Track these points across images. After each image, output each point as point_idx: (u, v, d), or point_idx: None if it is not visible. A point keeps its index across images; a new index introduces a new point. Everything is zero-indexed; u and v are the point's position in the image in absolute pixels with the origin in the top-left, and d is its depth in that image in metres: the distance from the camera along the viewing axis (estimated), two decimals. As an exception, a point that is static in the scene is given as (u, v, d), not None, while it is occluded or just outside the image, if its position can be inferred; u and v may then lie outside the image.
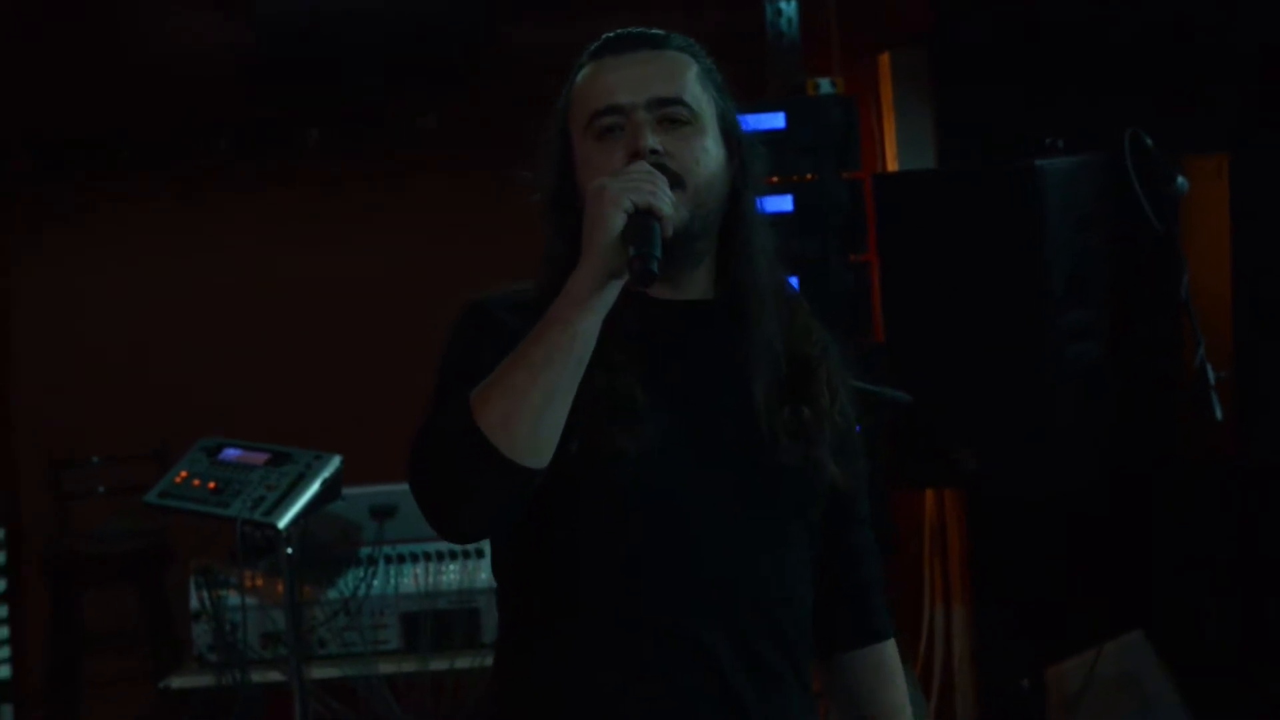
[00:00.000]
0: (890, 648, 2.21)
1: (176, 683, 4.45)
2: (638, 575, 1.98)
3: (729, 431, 2.03)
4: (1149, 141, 3.97)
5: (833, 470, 2.07)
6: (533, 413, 1.87)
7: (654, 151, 1.98)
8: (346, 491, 4.28)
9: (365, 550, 4.47)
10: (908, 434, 4.19)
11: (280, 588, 4.18)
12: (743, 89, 2.14)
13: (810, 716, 2.10)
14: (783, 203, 4.55)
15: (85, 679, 5.71)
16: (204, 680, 4.41)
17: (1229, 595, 4.73)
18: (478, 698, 4.37)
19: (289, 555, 4.06)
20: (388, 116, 5.97)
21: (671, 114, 2.02)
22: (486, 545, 2.16)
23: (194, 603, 4.43)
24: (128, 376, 5.98)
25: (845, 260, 4.68)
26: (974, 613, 5.10)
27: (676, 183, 1.98)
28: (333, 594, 4.45)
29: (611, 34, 2.10)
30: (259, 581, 4.40)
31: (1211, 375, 3.96)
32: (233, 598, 4.39)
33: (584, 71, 2.07)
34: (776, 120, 4.61)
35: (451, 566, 4.49)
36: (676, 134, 2.01)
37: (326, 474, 4.16)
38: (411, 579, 4.48)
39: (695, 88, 2.05)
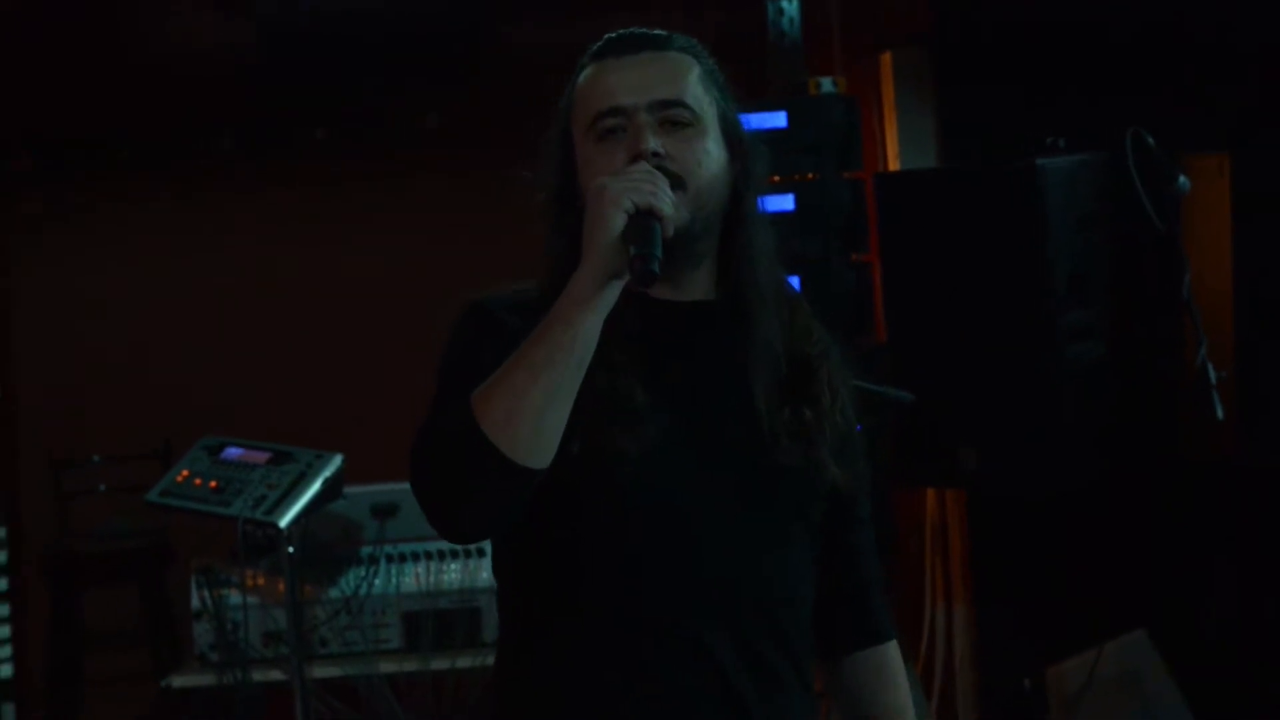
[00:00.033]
0: (892, 649, 2.21)
1: (178, 682, 4.46)
2: (639, 575, 1.98)
3: (730, 432, 2.03)
4: (1150, 140, 3.97)
5: (833, 471, 2.07)
6: (534, 413, 1.87)
7: (655, 154, 1.98)
8: (348, 490, 4.28)
9: (366, 549, 4.47)
10: (909, 433, 4.19)
11: (281, 587, 4.18)
12: (744, 88, 2.14)
13: (812, 716, 2.10)
14: (784, 202, 4.55)
15: (86, 678, 5.71)
16: (205, 679, 4.41)
17: (1230, 595, 4.73)
18: (479, 697, 4.37)
19: (290, 554, 4.06)
20: (388, 116, 5.97)
21: (673, 116, 2.02)
22: (487, 544, 2.16)
23: (195, 602, 4.43)
24: (129, 375, 5.97)
25: (847, 260, 4.67)
26: (975, 612, 5.10)
27: (678, 184, 1.98)
28: (334, 593, 4.45)
29: (614, 34, 2.09)
30: (260, 580, 4.41)
31: (1213, 375, 3.96)
32: (234, 597, 4.40)
33: (586, 72, 2.07)
34: (778, 119, 4.60)
35: (453, 566, 4.49)
36: (678, 136, 2.01)
37: (328, 473, 4.16)
38: (413, 578, 4.48)
39: (697, 89, 2.05)
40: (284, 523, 4.04)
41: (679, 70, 2.05)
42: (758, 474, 2.03)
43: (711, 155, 2.03)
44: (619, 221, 1.90)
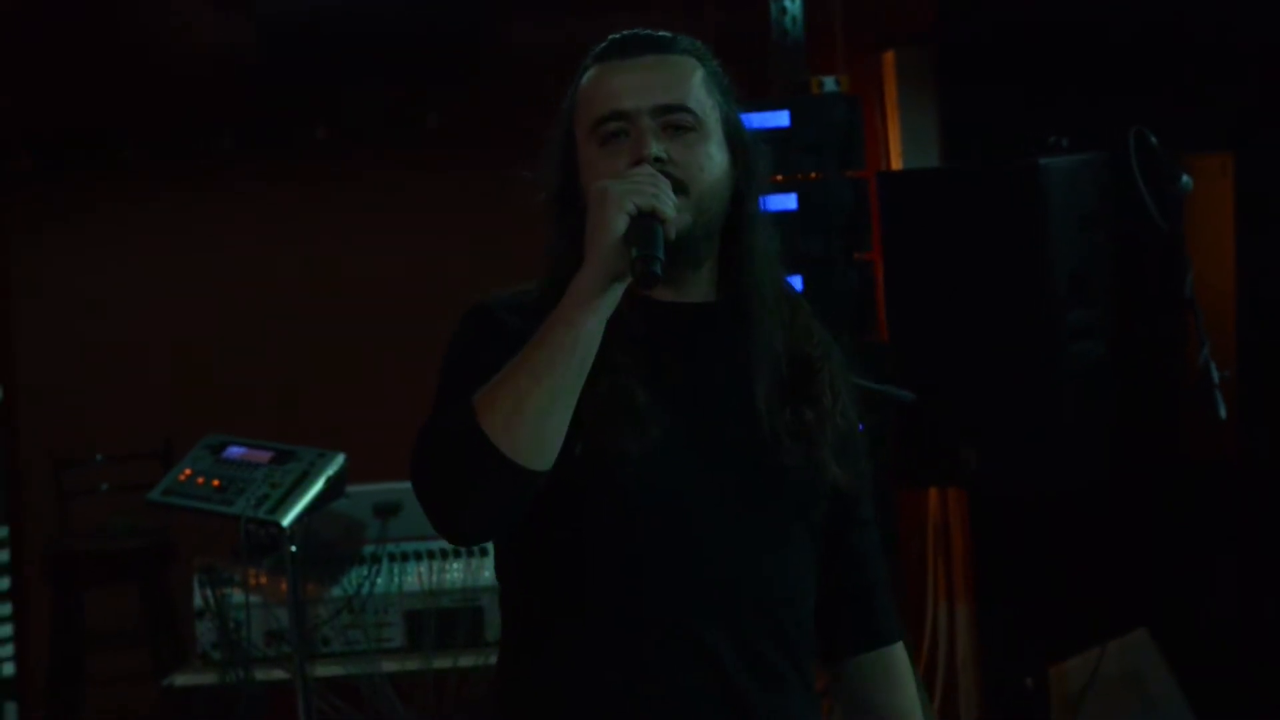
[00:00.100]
0: (898, 650, 2.20)
1: (180, 681, 4.46)
2: (640, 576, 1.98)
3: (731, 433, 2.03)
4: (1153, 140, 3.97)
5: (834, 471, 2.07)
6: (536, 414, 1.87)
7: (658, 159, 1.98)
8: (350, 489, 4.28)
9: (369, 548, 4.47)
10: (911, 433, 4.19)
11: (284, 586, 4.18)
12: (746, 87, 2.14)
13: (814, 716, 2.10)
14: (787, 201, 4.55)
15: (88, 677, 5.71)
16: (207, 678, 4.41)
17: (1232, 594, 4.73)
18: (481, 696, 4.37)
19: (293, 553, 4.06)
20: (389, 116, 5.96)
21: (676, 120, 2.02)
22: (490, 544, 2.16)
23: (198, 601, 4.43)
24: (130, 374, 5.97)
25: (849, 259, 4.68)
26: (977, 611, 5.10)
27: (680, 189, 1.98)
28: (336, 592, 4.45)
29: (618, 35, 2.09)
30: (262, 579, 4.40)
31: (1215, 374, 3.96)
32: (236, 595, 4.40)
33: (589, 74, 2.07)
34: (781, 119, 4.61)
35: (455, 565, 4.49)
36: (681, 140, 2.01)
37: (330, 472, 4.16)
38: (415, 577, 4.48)
39: (700, 92, 2.04)
40: (286, 522, 4.04)
41: (682, 74, 2.05)
42: (759, 474, 2.03)
43: (714, 159, 2.03)
44: (621, 223, 1.90)
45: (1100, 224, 4.13)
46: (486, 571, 4.46)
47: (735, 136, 2.07)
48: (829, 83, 4.74)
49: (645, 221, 1.90)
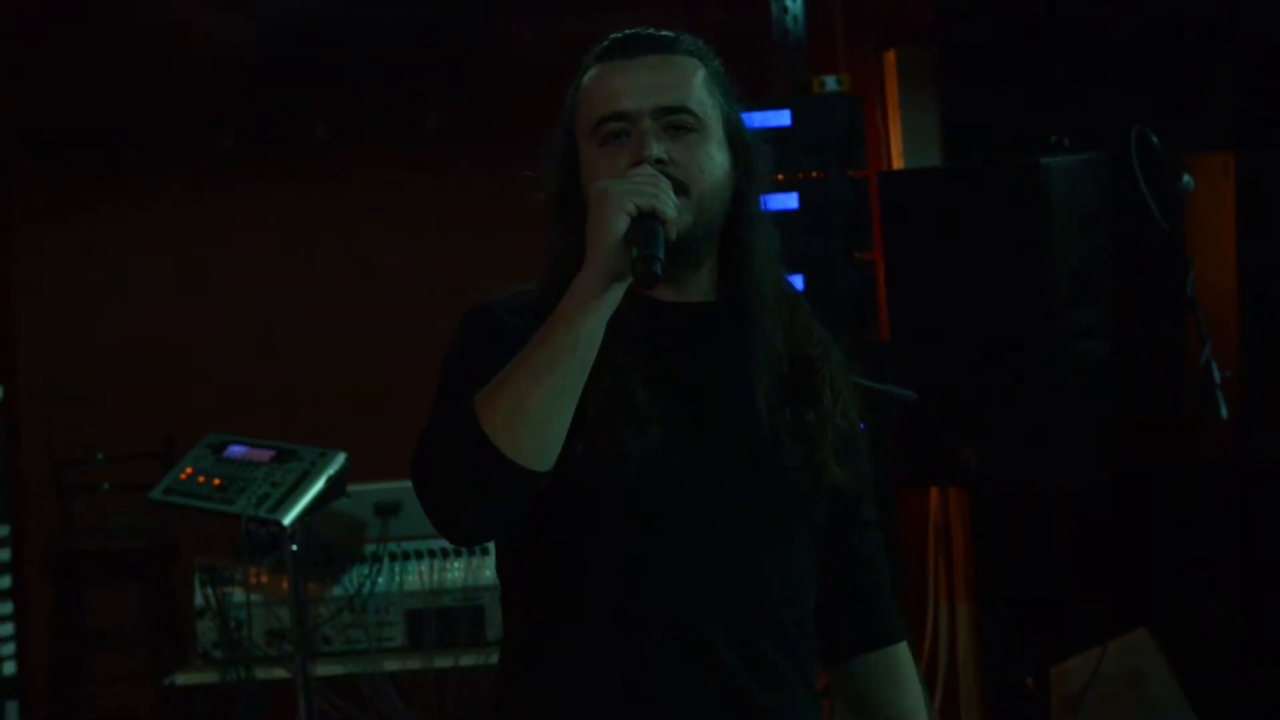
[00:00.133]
0: (902, 651, 2.20)
1: (181, 680, 4.46)
2: (641, 575, 1.98)
3: (732, 433, 2.03)
4: (1154, 139, 3.97)
5: (835, 471, 2.07)
6: (536, 415, 1.87)
7: (659, 160, 1.98)
8: (351, 489, 4.28)
9: (370, 547, 4.48)
10: (912, 432, 4.19)
11: (285, 585, 4.18)
12: (748, 87, 2.14)
13: (815, 716, 2.10)
14: (788, 201, 4.55)
15: (89, 676, 5.71)
16: (208, 677, 4.41)
17: (1233, 594, 4.73)
18: (482, 695, 4.37)
19: (294, 552, 4.06)
20: (389, 116, 5.96)
21: (677, 121, 2.02)
22: (491, 543, 2.16)
23: (199, 600, 4.44)
24: (131, 374, 5.97)
25: (850, 258, 4.68)
26: (978, 611, 5.10)
27: (680, 190, 1.98)
28: (337, 591, 4.45)
29: (619, 34, 2.09)
30: (264, 578, 4.41)
31: (1216, 374, 3.96)
32: (237, 595, 4.40)
33: (591, 73, 2.07)
34: (782, 118, 4.61)
35: (456, 564, 4.49)
36: (681, 141, 2.01)
37: (331, 471, 4.16)
38: (416, 576, 4.48)
39: (701, 93, 2.04)
40: (287, 521, 4.04)
41: (684, 74, 2.05)
42: (759, 474, 2.03)
43: (714, 160, 2.03)
44: (621, 224, 1.90)
45: (1101, 223, 4.13)
46: (487, 571, 4.46)
47: (736, 137, 2.07)
48: (830, 82, 4.74)
49: (646, 222, 1.90)
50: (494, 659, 3.81)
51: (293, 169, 5.99)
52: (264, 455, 4.22)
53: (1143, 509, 4.75)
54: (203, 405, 5.68)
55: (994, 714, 5.05)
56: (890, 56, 5.26)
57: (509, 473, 1.87)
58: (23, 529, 5.74)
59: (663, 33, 2.08)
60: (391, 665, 4.45)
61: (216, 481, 4.18)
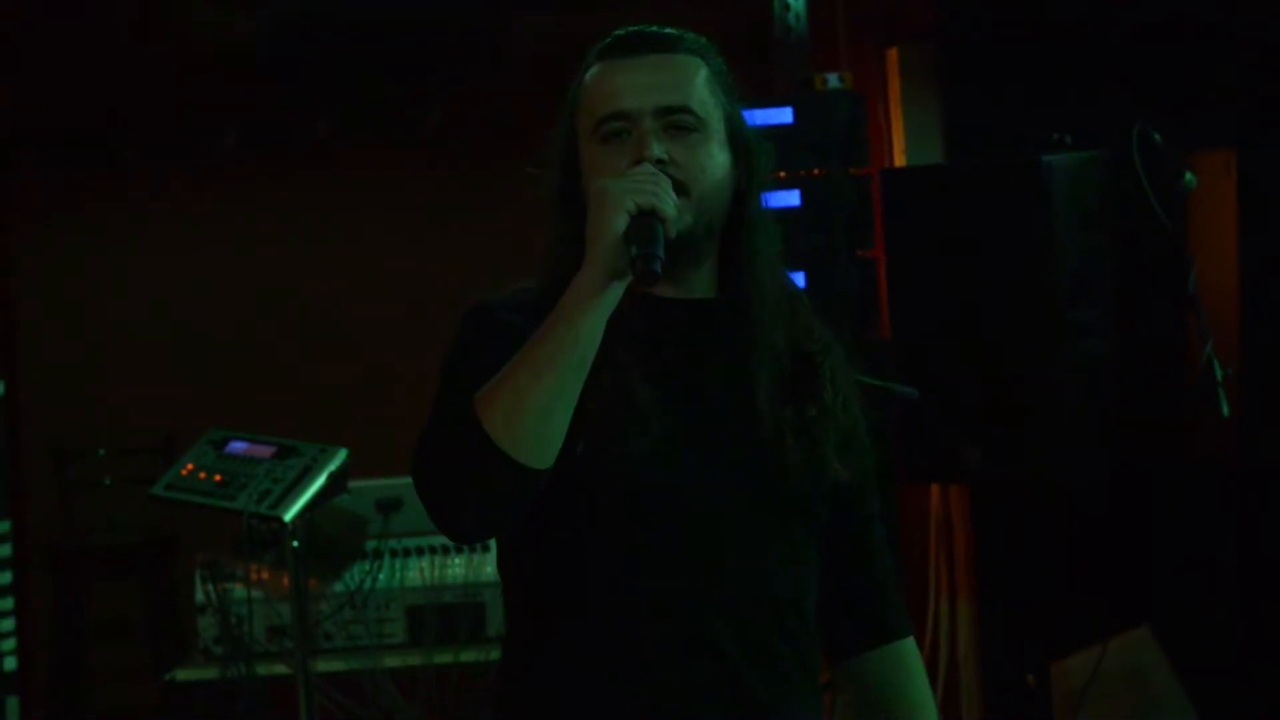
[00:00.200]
0: (909, 645, 2.20)
1: (182, 675, 4.46)
2: (643, 573, 1.99)
3: (733, 430, 2.03)
4: (1157, 137, 3.97)
5: (836, 467, 2.07)
6: (537, 412, 1.87)
7: (659, 161, 1.98)
8: (352, 485, 4.28)
9: (371, 544, 4.48)
10: (914, 429, 4.19)
11: (286, 581, 4.18)
12: (750, 84, 2.14)
13: (818, 710, 2.10)
14: (790, 198, 4.55)
15: (90, 672, 5.72)
16: (209, 673, 4.41)
17: (1234, 592, 4.73)
18: (483, 692, 4.37)
19: (295, 548, 4.06)
20: (391, 113, 5.97)
21: (678, 121, 2.01)
22: (492, 540, 2.16)
23: (199, 595, 4.44)
24: (132, 370, 5.98)
25: (852, 256, 4.68)
26: (979, 608, 5.10)
27: (681, 190, 1.98)
28: (338, 587, 4.46)
29: (622, 31, 2.08)
30: (265, 574, 4.41)
31: (1218, 372, 3.96)
32: (238, 591, 4.40)
33: (592, 71, 2.07)
34: (784, 115, 4.60)
35: (457, 560, 4.49)
36: (683, 141, 2.01)
37: (332, 467, 4.16)
38: (417, 572, 4.49)
39: (703, 92, 2.04)
40: (288, 517, 4.04)
41: (686, 74, 2.04)
42: (761, 471, 2.03)
43: (715, 160, 2.03)
44: (621, 222, 1.90)
45: (1103, 221, 4.13)
46: (488, 567, 4.46)
47: (738, 135, 2.07)
48: (832, 80, 4.74)
49: (645, 220, 1.90)
50: (495, 655, 3.82)
51: (294, 166, 5.99)
52: (265, 451, 4.22)
53: (1144, 507, 4.75)
54: (204, 401, 5.68)
55: (995, 711, 5.05)
56: (893, 54, 5.26)
57: (509, 470, 1.87)
58: (24, 524, 5.74)
59: (665, 30, 2.08)
60: (392, 661, 4.45)
61: (218, 477, 4.18)
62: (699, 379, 2.05)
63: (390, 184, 6.00)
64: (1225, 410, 3.97)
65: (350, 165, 5.98)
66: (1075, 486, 4.23)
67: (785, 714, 2.03)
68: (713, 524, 2.00)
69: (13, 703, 4.69)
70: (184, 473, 4.24)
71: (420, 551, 4.50)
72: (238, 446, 4.26)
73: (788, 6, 4.98)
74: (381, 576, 4.46)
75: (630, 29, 2.08)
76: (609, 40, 2.08)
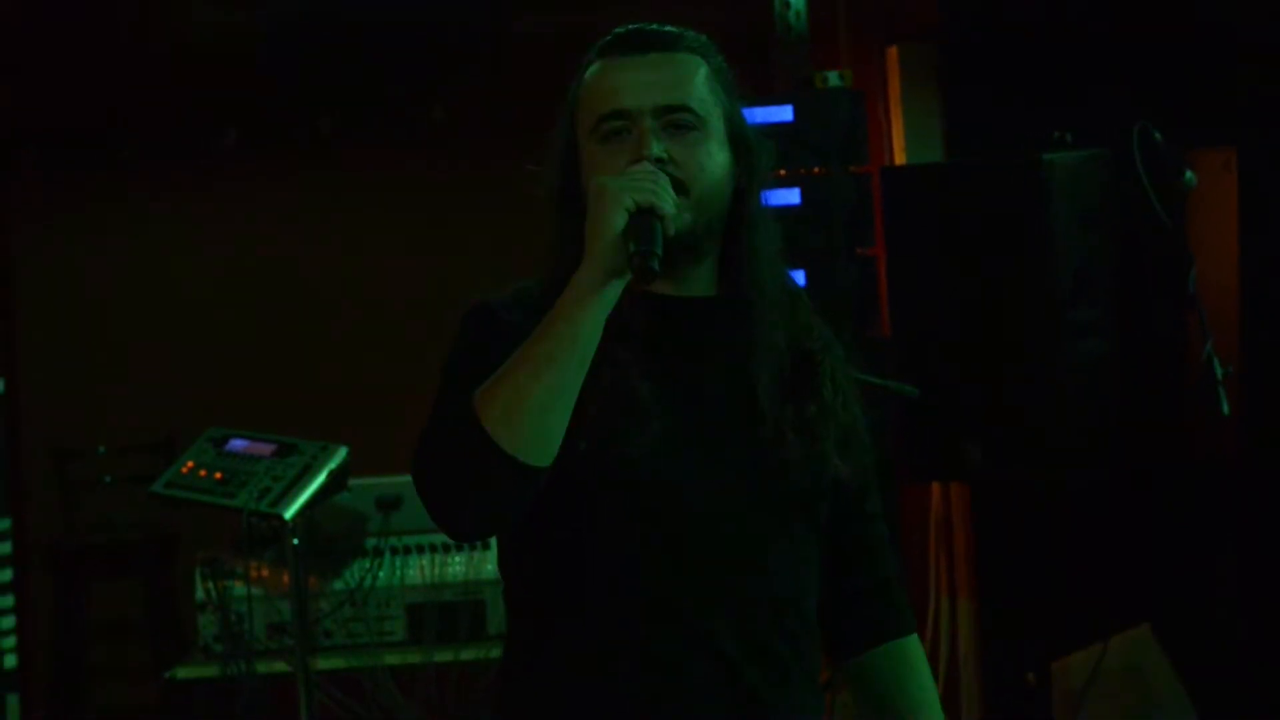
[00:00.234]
0: (914, 642, 2.20)
1: (182, 673, 4.46)
2: (644, 572, 1.99)
3: (733, 427, 2.04)
4: (1157, 136, 3.97)
5: (837, 465, 2.07)
6: (536, 410, 1.87)
7: (659, 160, 1.98)
8: (352, 483, 4.28)
9: (371, 541, 4.48)
10: (914, 428, 4.19)
11: (286, 579, 4.19)
12: (751, 82, 2.13)
13: (818, 708, 2.10)
14: (790, 196, 4.55)
15: (90, 669, 5.72)
16: (209, 671, 4.41)
17: (1234, 591, 4.73)
18: (483, 690, 4.37)
19: (295, 546, 4.06)
20: (393, 110, 5.96)
21: (677, 120, 2.02)
22: (492, 538, 2.16)
23: (200, 593, 4.44)
24: (133, 368, 5.98)
25: (852, 254, 4.68)
26: (979, 607, 5.10)
27: (681, 189, 1.98)
28: (338, 585, 4.46)
29: (623, 29, 2.08)
30: (265, 572, 4.41)
31: (1218, 371, 3.96)
32: (238, 588, 4.40)
33: (593, 69, 2.07)
34: (784, 114, 4.60)
35: (457, 558, 4.49)
36: (682, 140, 2.01)
37: (333, 465, 4.16)
38: (417, 570, 4.49)
39: (703, 91, 2.04)
40: (289, 515, 4.04)
41: (686, 73, 2.04)
42: (761, 469, 2.03)
43: (715, 159, 2.03)
44: (620, 220, 1.90)
45: (1103, 220, 4.13)
46: (489, 565, 4.46)
47: (738, 134, 2.07)
48: (833, 78, 4.74)
49: (644, 218, 1.90)
50: (495, 653, 3.82)
51: (297, 162, 5.99)
52: (265, 449, 4.22)
53: (1144, 505, 4.75)
54: (204, 399, 5.68)
55: (995, 710, 5.06)
56: (893, 52, 5.26)
57: (508, 468, 1.87)
58: (24, 522, 5.75)
59: (665, 28, 2.08)
60: (392, 659, 4.45)
61: (218, 475, 4.18)
62: (699, 377, 2.05)
63: (390, 183, 6.00)
64: (1225, 409, 3.98)
65: (350, 165, 5.98)
66: (1075, 486, 4.23)
67: (785, 713, 2.03)
68: (713, 522, 2.00)
69: (13, 700, 4.69)
70: (184, 470, 4.25)
71: (420, 549, 4.50)
72: (238, 444, 4.26)
73: (788, 4, 4.98)
74: (382, 574, 4.46)
75: (630, 27, 2.08)
76: (609, 38, 2.08)
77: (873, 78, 5.25)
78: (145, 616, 5.64)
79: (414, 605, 4.48)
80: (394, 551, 4.48)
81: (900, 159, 5.18)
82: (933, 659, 5.06)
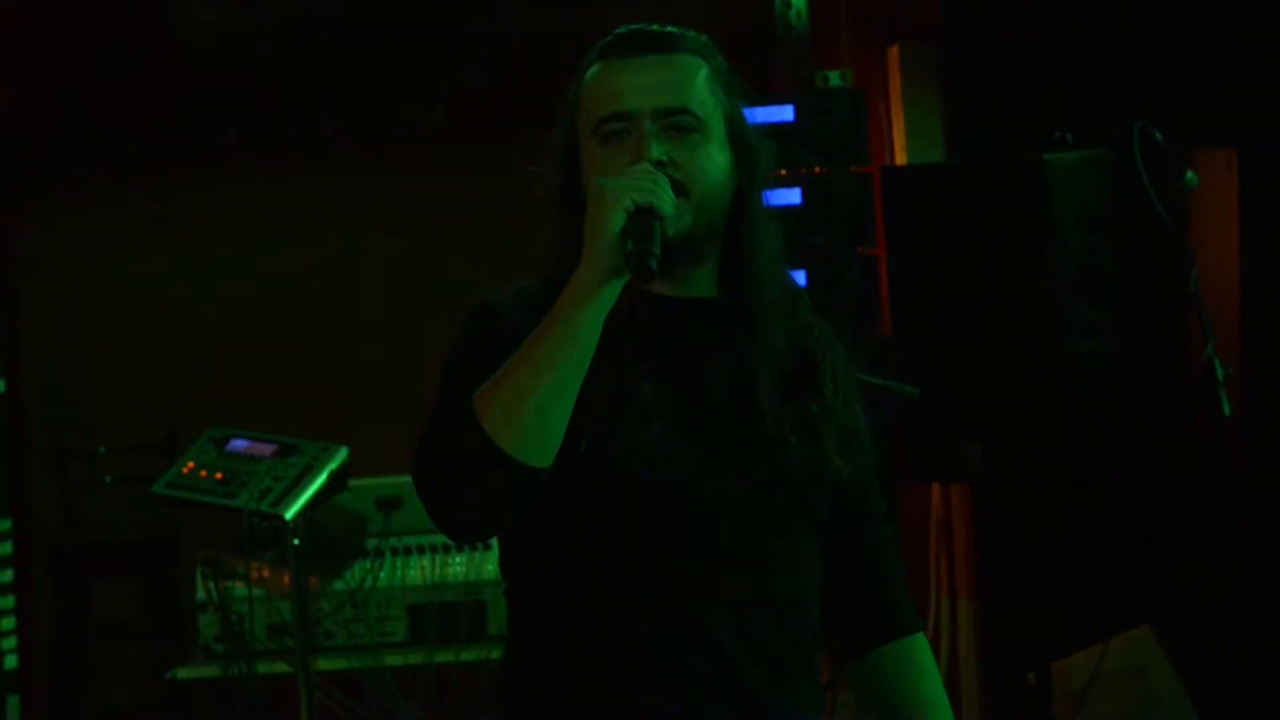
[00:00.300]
0: (919, 641, 2.20)
1: (182, 673, 4.46)
2: (645, 570, 1.99)
3: (735, 427, 2.04)
4: (1158, 136, 3.97)
5: (838, 464, 2.07)
6: (535, 411, 1.87)
7: (659, 163, 1.98)
8: (353, 483, 4.28)
9: (371, 542, 4.48)
10: (915, 428, 4.19)
11: (286, 579, 4.19)
12: (751, 82, 2.13)
13: (819, 708, 2.10)
14: (791, 196, 4.55)
15: (91, 669, 5.71)
16: (210, 671, 4.42)
17: (1235, 591, 4.73)
18: (484, 690, 4.37)
19: (295, 546, 4.06)
20: (394, 109, 5.96)
21: (677, 122, 2.02)
22: (493, 538, 2.16)
23: (200, 594, 4.44)
24: (134, 368, 5.97)
25: (853, 254, 4.67)
26: (980, 607, 5.10)
27: (681, 191, 1.98)
28: (339, 586, 4.46)
29: (623, 30, 2.08)
30: (265, 573, 4.41)
31: (1219, 371, 3.96)
32: (239, 589, 4.40)
33: (593, 70, 2.07)
34: (785, 113, 4.60)
35: (458, 559, 4.49)
36: (683, 142, 2.01)
37: (333, 465, 4.16)
38: (418, 571, 4.49)
39: (703, 93, 2.04)
40: (289, 515, 4.04)
41: (686, 74, 2.04)
42: (763, 468, 2.04)
43: (715, 160, 2.03)
44: (618, 220, 1.90)
45: (1104, 220, 4.13)
46: (489, 566, 4.46)
47: (738, 135, 2.07)
48: (834, 77, 4.74)
49: (643, 218, 1.91)
50: (495, 654, 3.81)
51: (297, 162, 5.99)
52: (266, 449, 4.22)
53: (1144, 506, 4.75)
54: (205, 399, 5.68)
55: (996, 711, 5.05)
56: (894, 51, 5.25)
57: (508, 469, 1.87)
58: (26, 522, 5.74)
59: (666, 29, 2.08)
60: (393, 660, 4.45)
61: (219, 475, 4.18)
62: (700, 377, 2.05)
63: (390, 183, 6.00)
64: (1226, 410, 3.97)
65: (351, 164, 5.97)
66: (1076, 485, 4.22)
67: (786, 713, 2.04)
68: (713, 522, 2.00)
69: (14, 701, 4.70)
70: (185, 471, 4.25)
71: (421, 550, 4.50)
72: (239, 444, 4.26)
73: (789, 4, 4.98)
74: (382, 575, 4.46)
75: (631, 28, 2.08)
76: (610, 39, 2.08)
77: (874, 77, 5.25)
78: (146, 617, 5.63)
79: (415, 606, 4.48)
80: (395, 552, 4.48)
81: (901, 159, 5.18)
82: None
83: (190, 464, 4.25)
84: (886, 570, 2.19)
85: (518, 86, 5.11)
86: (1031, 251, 4.04)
